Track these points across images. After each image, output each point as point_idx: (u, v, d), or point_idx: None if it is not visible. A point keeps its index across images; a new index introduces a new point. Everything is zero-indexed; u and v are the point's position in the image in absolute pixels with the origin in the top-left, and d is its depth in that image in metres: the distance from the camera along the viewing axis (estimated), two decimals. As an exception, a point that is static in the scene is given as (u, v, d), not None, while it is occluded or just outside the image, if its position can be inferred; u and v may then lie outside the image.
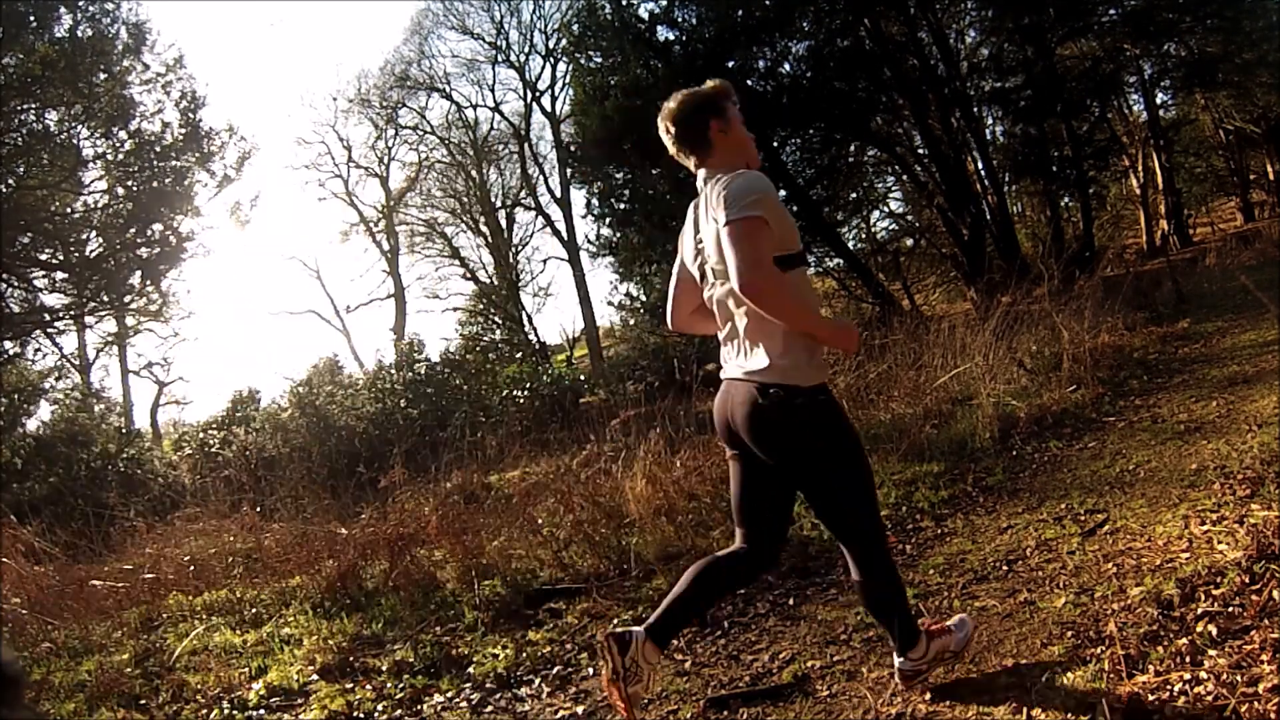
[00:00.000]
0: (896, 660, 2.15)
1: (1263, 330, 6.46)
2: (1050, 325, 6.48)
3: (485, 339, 22.76)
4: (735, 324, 1.99)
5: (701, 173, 2.09)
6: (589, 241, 15.79)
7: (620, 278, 15.54)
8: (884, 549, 2.03)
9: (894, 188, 17.31)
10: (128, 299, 14.34)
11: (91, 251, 13.60)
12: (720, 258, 1.90)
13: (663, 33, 13.09)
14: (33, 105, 12.02)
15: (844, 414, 2.00)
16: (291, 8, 42.62)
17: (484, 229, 25.84)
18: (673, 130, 2.12)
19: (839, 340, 2.01)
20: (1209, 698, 1.78)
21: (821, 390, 1.94)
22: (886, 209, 17.80)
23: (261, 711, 2.97)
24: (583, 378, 15.35)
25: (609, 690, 2.03)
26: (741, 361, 1.98)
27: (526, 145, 24.77)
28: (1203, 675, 1.87)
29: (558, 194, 24.48)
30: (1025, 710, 1.97)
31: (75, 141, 12.93)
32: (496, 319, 23.92)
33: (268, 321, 58.82)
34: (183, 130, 13.56)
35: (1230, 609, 2.16)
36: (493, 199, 25.82)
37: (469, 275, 26.09)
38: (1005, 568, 2.96)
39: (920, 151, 14.03)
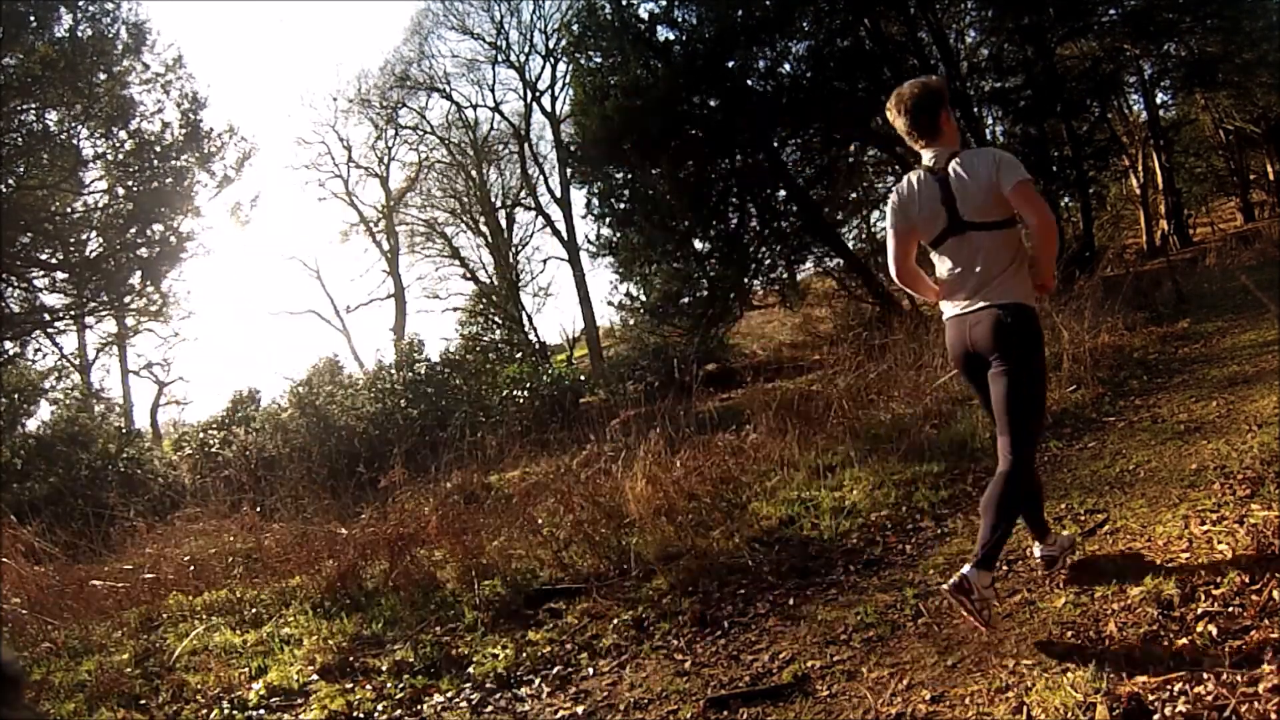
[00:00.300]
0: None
1: (1263, 330, 6.45)
2: (1050, 325, 6.47)
3: (485, 339, 22.74)
4: (985, 264, 2.51)
5: (928, 152, 2.58)
6: (589, 241, 15.77)
7: (620, 278, 15.47)
8: (1033, 451, 2.61)
9: (894, 188, 17.26)
10: (128, 299, 14.33)
11: (91, 251, 13.58)
12: (984, 208, 2.46)
13: (663, 33, 13.09)
14: (33, 105, 12.01)
15: (1042, 334, 2.62)
16: (292, 8, 42.62)
17: (484, 229, 25.81)
18: (909, 113, 2.55)
19: (1051, 272, 2.63)
20: (1209, 698, 1.78)
21: (1035, 312, 2.55)
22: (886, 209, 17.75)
23: (261, 711, 2.97)
24: (583, 378, 15.34)
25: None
26: (986, 293, 2.51)
27: (526, 145, 24.74)
28: (1203, 675, 1.87)
29: (558, 194, 24.45)
30: (1025, 710, 1.97)
31: (75, 141, 12.91)
32: (496, 319, 23.89)
33: (268, 321, 58.73)
34: (183, 130, 13.55)
35: (1230, 609, 2.16)
36: (493, 199, 25.79)
37: (469, 275, 26.07)
38: (1005, 568, 2.96)
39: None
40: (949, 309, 2.65)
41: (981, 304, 2.52)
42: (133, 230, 13.24)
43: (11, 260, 12.57)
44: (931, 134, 2.56)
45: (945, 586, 2.40)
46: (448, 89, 25.20)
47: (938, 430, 5.08)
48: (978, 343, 2.54)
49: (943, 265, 2.64)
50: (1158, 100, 19.03)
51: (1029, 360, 2.50)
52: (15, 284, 13.45)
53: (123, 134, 13.15)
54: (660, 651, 2.93)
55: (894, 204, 2.68)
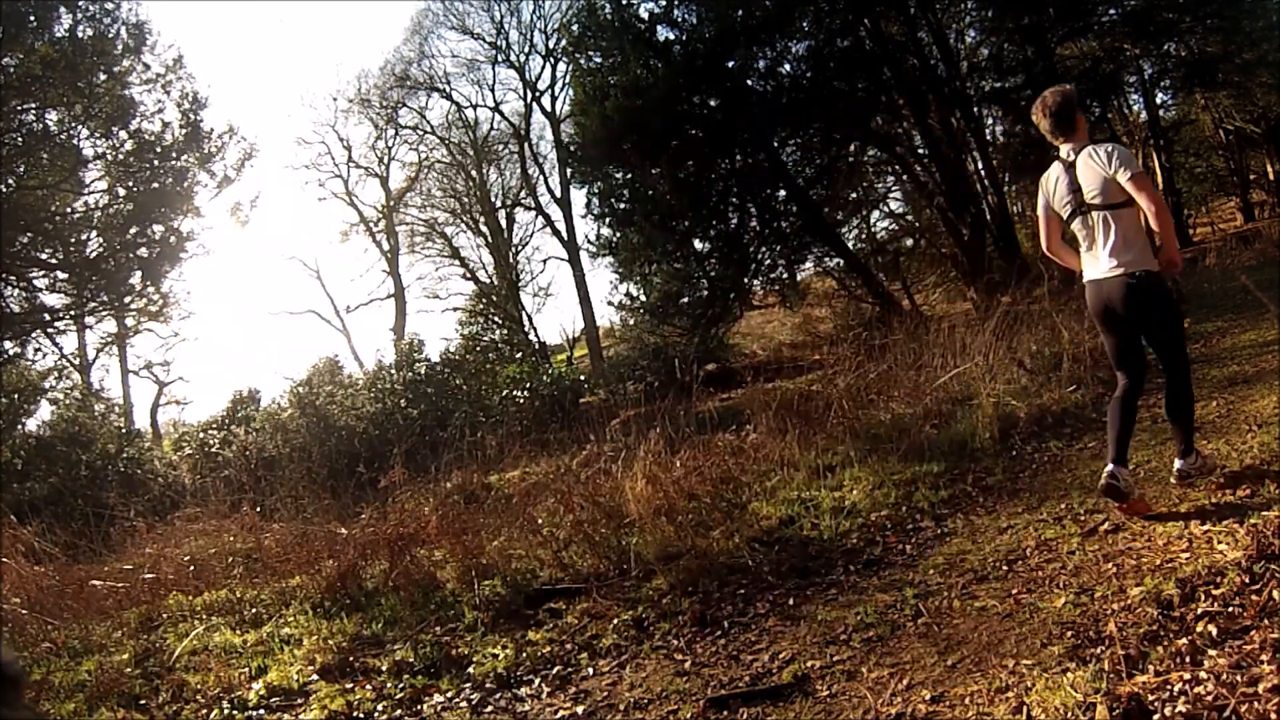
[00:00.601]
0: (1177, 463, 3.26)
1: (1263, 330, 6.45)
2: (1050, 325, 6.47)
3: (485, 339, 22.70)
4: (1111, 238, 3.08)
5: (1066, 146, 3.18)
6: (589, 241, 15.73)
7: (620, 278, 15.41)
8: (1188, 373, 3.24)
9: (894, 188, 17.24)
10: (128, 299, 14.30)
11: (91, 251, 13.56)
12: (1103, 192, 3.04)
13: (663, 32, 13.07)
14: (33, 105, 11.98)
15: (1169, 288, 3.27)
16: (292, 8, 42.61)
17: (484, 229, 25.80)
18: (1052, 116, 3.16)
19: (1175, 249, 3.19)
20: (1209, 698, 1.78)
21: (1159, 273, 3.11)
22: (886, 209, 17.72)
23: (261, 711, 2.97)
24: (583, 378, 15.33)
25: (1129, 510, 3.07)
26: (1114, 262, 3.09)
27: (526, 145, 24.72)
28: (1203, 675, 1.87)
29: (558, 194, 24.44)
30: (1025, 710, 1.97)
31: (75, 141, 12.88)
32: (496, 319, 23.86)
33: (268, 321, 58.65)
34: (183, 130, 13.52)
35: (1230, 609, 2.16)
36: (493, 199, 25.77)
37: (469, 275, 26.06)
38: (1005, 568, 2.96)
39: (920, 151, 13.99)
40: (1087, 273, 3.26)
41: (1111, 272, 3.11)
42: (133, 230, 13.22)
43: (11, 260, 12.55)
44: (1068, 131, 3.17)
45: (1174, 478, 3.24)
46: (448, 89, 25.20)
47: (938, 430, 5.08)
48: (1113, 303, 3.14)
49: (1079, 238, 3.24)
50: (1158, 100, 19.01)
51: (1162, 314, 3.14)
52: (15, 284, 13.44)
53: (123, 134, 13.13)
54: (660, 651, 2.93)
55: (1041, 190, 3.32)
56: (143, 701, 3.14)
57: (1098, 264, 3.15)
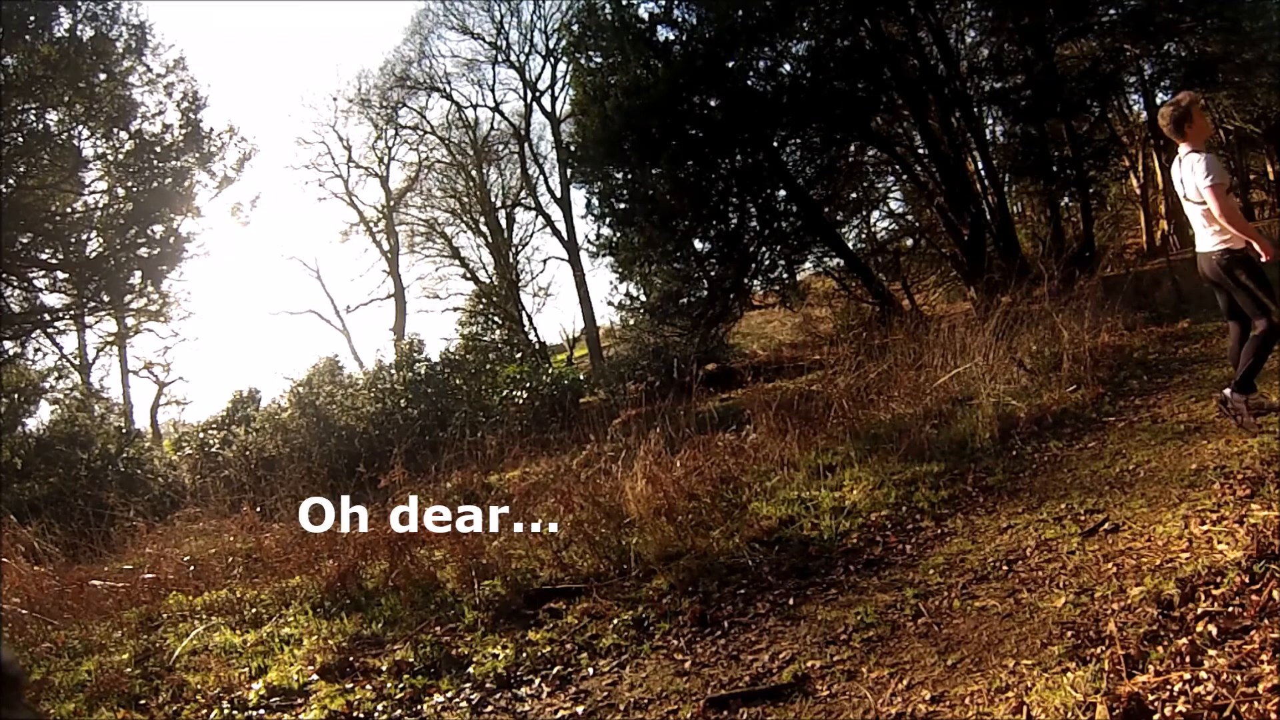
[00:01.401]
0: (1227, 391, 3.97)
1: (1263, 330, 6.44)
2: (1050, 325, 6.47)
3: (485, 339, 22.68)
4: (1197, 224, 3.92)
5: (1184, 147, 3.90)
6: (589, 241, 15.69)
7: (620, 278, 15.37)
8: (1270, 332, 3.79)
9: (894, 188, 17.21)
10: (128, 299, 14.29)
11: (91, 251, 13.55)
12: (1197, 193, 3.78)
13: (663, 33, 13.06)
14: (33, 105, 11.98)
15: (1256, 260, 3.80)
16: (292, 8, 42.58)
17: (484, 229, 25.76)
18: (1173, 119, 3.89)
19: (1261, 244, 3.76)
20: (1209, 698, 1.78)
21: (1243, 250, 3.78)
22: (886, 209, 17.69)
23: (261, 711, 2.97)
24: (583, 378, 15.33)
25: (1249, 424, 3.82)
26: (1205, 243, 3.90)
27: (526, 145, 24.67)
28: (1203, 675, 1.87)
29: (558, 194, 24.39)
30: (1025, 710, 1.97)
31: (75, 142, 12.89)
32: (496, 319, 23.84)
33: (268, 321, 58.36)
34: (183, 131, 13.52)
35: (1230, 609, 2.16)
36: (493, 199, 25.73)
37: (469, 275, 26.01)
38: (1005, 568, 2.96)
39: (920, 151, 13.98)
40: (1197, 242, 4.03)
41: (1202, 249, 3.94)
42: (133, 230, 13.21)
43: (11, 260, 12.55)
44: (1182, 135, 3.88)
45: (1217, 399, 4.05)
46: (448, 89, 25.11)
47: (938, 430, 5.08)
48: (1205, 273, 4.01)
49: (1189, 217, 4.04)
50: (1158, 100, 18.96)
51: (1240, 284, 3.79)
52: (15, 284, 13.44)
53: (123, 134, 13.12)
54: (660, 651, 2.93)
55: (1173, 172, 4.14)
56: (143, 701, 3.14)
57: (1198, 241, 3.98)
